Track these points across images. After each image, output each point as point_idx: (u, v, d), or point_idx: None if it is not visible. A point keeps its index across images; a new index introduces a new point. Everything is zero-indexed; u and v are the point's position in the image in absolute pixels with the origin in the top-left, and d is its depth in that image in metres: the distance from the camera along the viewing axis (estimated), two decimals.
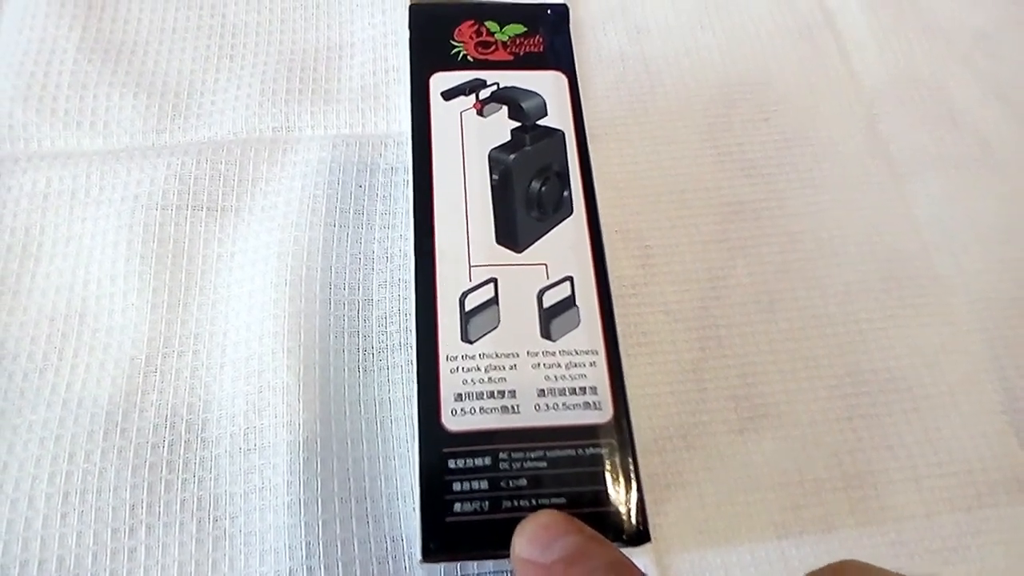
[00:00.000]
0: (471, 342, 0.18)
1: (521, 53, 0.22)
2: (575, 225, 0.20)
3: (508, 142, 0.21)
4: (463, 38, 0.22)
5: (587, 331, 0.18)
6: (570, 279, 0.19)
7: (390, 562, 0.21)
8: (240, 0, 0.30)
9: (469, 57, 0.22)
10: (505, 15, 0.23)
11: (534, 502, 0.16)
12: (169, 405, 0.22)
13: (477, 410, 0.17)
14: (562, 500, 0.16)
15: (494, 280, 0.19)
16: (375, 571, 0.20)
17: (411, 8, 0.23)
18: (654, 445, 0.23)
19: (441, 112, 0.21)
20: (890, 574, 0.14)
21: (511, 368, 0.18)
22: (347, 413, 0.22)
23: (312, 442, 0.21)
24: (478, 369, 0.17)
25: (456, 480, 0.16)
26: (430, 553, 0.16)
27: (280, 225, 0.25)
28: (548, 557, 0.15)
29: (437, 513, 0.16)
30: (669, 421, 0.23)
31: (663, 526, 0.22)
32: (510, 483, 0.16)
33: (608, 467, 0.17)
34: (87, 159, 0.26)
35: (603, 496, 0.17)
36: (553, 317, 0.18)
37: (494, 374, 0.17)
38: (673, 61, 0.30)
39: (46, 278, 0.24)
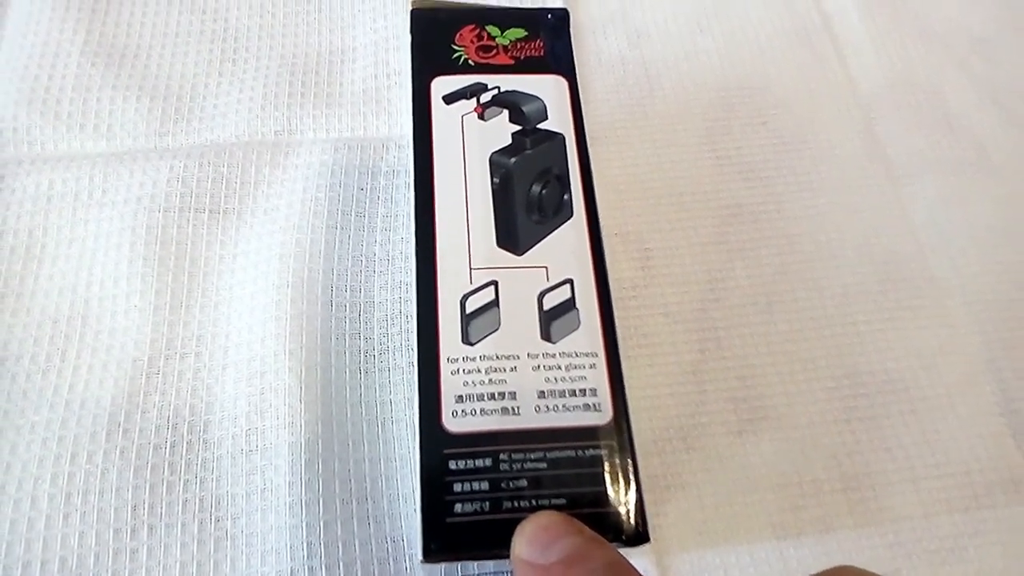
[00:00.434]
0: (472, 344, 0.18)
1: (522, 57, 0.22)
2: (575, 228, 0.20)
3: (509, 146, 0.21)
4: (464, 42, 0.22)
5: (587, 333, 0.18)
6: (570, 282, 0.19)
7: (391, 563, 0.21)
8: (243, 4, 0.30)
9: (470, 61, 0.22)
10: (506, 19, 0.23)
11: (534, 503, 0.16)
12: (171, 406, 0.22)
13: (478, 411, 0.17)
14: (562, 501, 0.16)
15: (495, 283, 0.19)
16: (376, 572, 0.21)
17: (412, 13, 0.23)
18: (654, 446, 0.23)
19: (442, 116, 0.21)
20: None
21: (512, 370, 0.18)
22: (348, 414, 0.23)
23: (313, 443, 0.22)
24: (479, 371, 0.18)
25: (457, 481, 0.16)
26: (431, 554, 0.16)
27: (282, 227, 0.25)
28: (548, 558, 0.15)
29: (438, 514, 0.16)
30: (668, 423, 0.23)
31: (662, 527, 0.22)
32: (510, 484, 0.16)
33: (608, 468, 0.17)
34: (90, 162, 0.26)
35: (603, 497, 0.17)
36: (553, 319, 0.18)
37: (495, 376, 0.18)
38: (672, 65, 0.30)
39: (49, 280, 0.24)
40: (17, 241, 0.25)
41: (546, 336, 0.18)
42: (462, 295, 0.18)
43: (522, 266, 0.19)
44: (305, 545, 0.20)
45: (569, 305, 0.19)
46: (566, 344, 0.18)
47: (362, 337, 0.24)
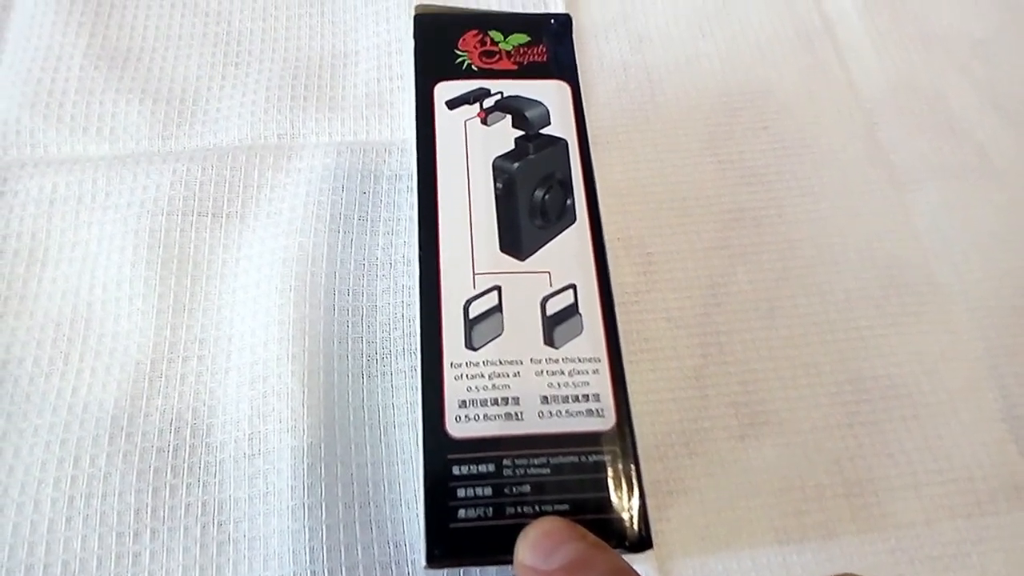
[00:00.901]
0: (475, 349, 0.18)
1: (525, 62, 0.22)
2: (578, 233, 0.20)
3: (512, 151, 0.21)
4: (467, 48, 0.22)
5: (590, 339, 0.18)
6: (573, 287, 0.19)
7: (393, 567, 0.21)
8: (246, 8, 0.30)
9: (473, 66, 0.22)
10: (509, 25, 0.23)
11: (537, 509, 0.16)
12: (174, 410, 0.22)
13: (481, 417, 0.17)
14: (565, 507, 0.16)
15: (498, 288, 0.19)
16: None
17: (416, 18, 0.23)
18: (656, 451, 0.23)
19: (445, 121, 0.21)
20: None
21: (515, 375, 0.18)
22: (351, 418, 0.23)
23: (316, 447, 0.22)
24: (482, 376, 0.18)
25: (460, 486, 0.16)
26: (434, 559, 0.16)
27: (285, 231, 0.25)
28: (551, 564, 0.15)
29: (441, 519, 0.16)
30: (671, 427, 0.23)
31: (665, 532, 0.22)
32: (514, 490, 0.16)
33: (611, 474, 0.17)
34: (93, 165, 0.26)
35: (606, 503, 0.17)
36: (556, 325, 0.18)
37: (498, 381, 0.18)
38: (674, 70, 0.30)
39: (52, 283, 0.24)
40: (20, 244, 0.25)
41: (549, 341, 0.18)
42: (465, 300, 0.18)
43: (525, 271, 0.19)
44: (307, 549, 0.20)
45: (572, 310, 0.19)
46: (569, 349, 0.18)
47: (365, 341, 0.24)
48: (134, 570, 0.20)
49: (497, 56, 0.22)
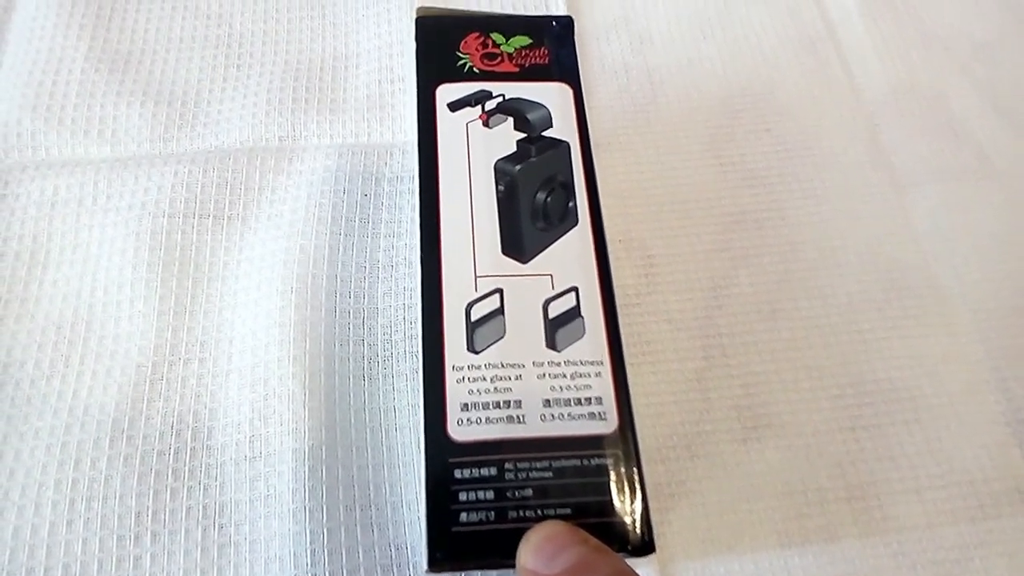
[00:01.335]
0: (477, 352, 0.18)
1: (526, 65, 0.22)
2: (580, 235, 0.20)
3: (514, 153, 0.21)
4: (469, 50, 0.22)
5: (592, 341, 0.18)
6: (575, 289, 0.19)
7: (394, 570, 0.21)
8: (247, 10, 0.30)
9: (475, 69, 0.22)
10: (510, 27, 0.23)
11: (539, 512, 0.16)
12: (175, 413, 0.22)
13: (483, 420, 0.17)
14: (567, 510, 0.16)
15: (500, 290, 0.19)
16: None
17: (417, 20, 0.23)
18: (658, 454, 0.23)
19: (447, 123, 0.21)
20: None
21: (517, 378, 0.18)
22: (352, 421, 0.23)
23: (317, 450, 0.22)
24: (484, 379, 0.18)
25: (462, 490, 0.16)
26: (436, 563, 0.16)
27: (286, 233, 0.25)
28: (553, 568, 0.15)
29: (443, 523, 0.16)
30: (673, 430, 0.23)
31: (667, 535, 0.22)
32: (516, 493, 0.16)
33: (613, 477, 0.17)
34: (94, 167, 0.26)
35: (608, 506, 0.17)
36: (558, 327, 0.18)
37: (500, 384, 0.18)
38: (676, 72, 0.30)
39: (53, 285, 0.24)
40: (21, 247, 0.25)
41: (551, 344, 0.18)
42: (467, 303, 0.18)
43: (527, 274, 0.19)
44: (308, 552, 0.20)
45: (574, 313, 0.19)
46: (571, 352, 0.18)
47: (366, 343, 0.24)
48: (135, 573, 0.20)
49: (499, 58, 0.22)
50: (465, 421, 0.17)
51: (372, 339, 0.24)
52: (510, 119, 0.21)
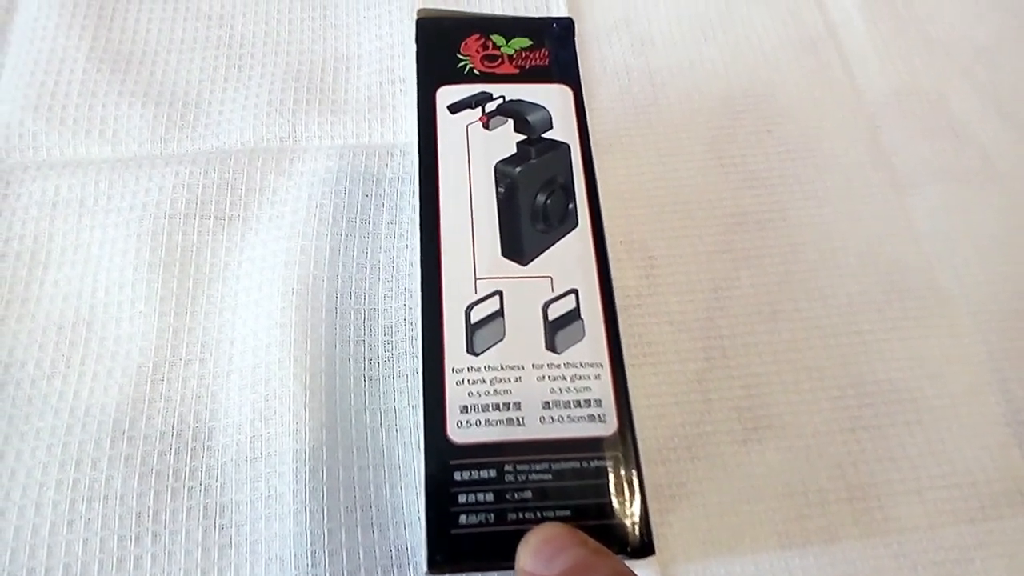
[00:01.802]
0: (477, 354, 0.18)
1: (527, 66, 0.22)
2: (580, 237, 0.20)
3: (514, 155, 0.21)
4: (469, 52, 0.22)
5: (592, 344, 0.18)
6: (575, 292, 0.19)
7: (395, 571, 0.21)
8: (248, 11, 0.30)
9: (475, 70, 0.22)
10: (511, 29, 0.23)
11: (539, 514, 0.16)
12: (176, 413, 0.22)
13: (483, 422, 0.17)
14: (567, 512, 0.16)
15: (500, 292, 0.19)
16: None
17: (418, 22, 0.23)
18: (658, 455, 0.23)
19: (447, 125, 0.21)
20: None
21: (516, 380, 0.18)
22: (352, 422, 0.23)
23: (318, 450, 0.22)
24: (483, 381, 0.18)
25: (462, 492, 0.16)
26: (435, 565, 0.16)
27: (287, 234, 0.25)
28: (552, 570, 0.15)
29: (443, 525, 0.16)
30: (673, 432, 0.23)
31: (667, 536, 0.22)
32: (515, 495, 0.16)
33: (613, 480, 0.17)
34: (96, 168, 0.26)
35: (608, 509, 0.17)
36: (558, 330, 0.18)
37: (499, 386, 0.18)
38: (677, 73, 0.30)
39: (54, 286, 0.24)
40: (23, 247, 0.25)
41: (551, 346, 0.18)
42: (467, 305, 0.18)
43: (527, 276, 0.19)
44: (309, 553, 0.20)
45: (574, 315, 0.19)
46: (571, 354, 0.18)
47: (366, 344, 0.24)
48: (135, 573, 0.20)
49: (499, 60, 0.22)
50: (465, 423, 0.17)
51: (373, 340, 0.24)
52: (510, 121, 0.21)
